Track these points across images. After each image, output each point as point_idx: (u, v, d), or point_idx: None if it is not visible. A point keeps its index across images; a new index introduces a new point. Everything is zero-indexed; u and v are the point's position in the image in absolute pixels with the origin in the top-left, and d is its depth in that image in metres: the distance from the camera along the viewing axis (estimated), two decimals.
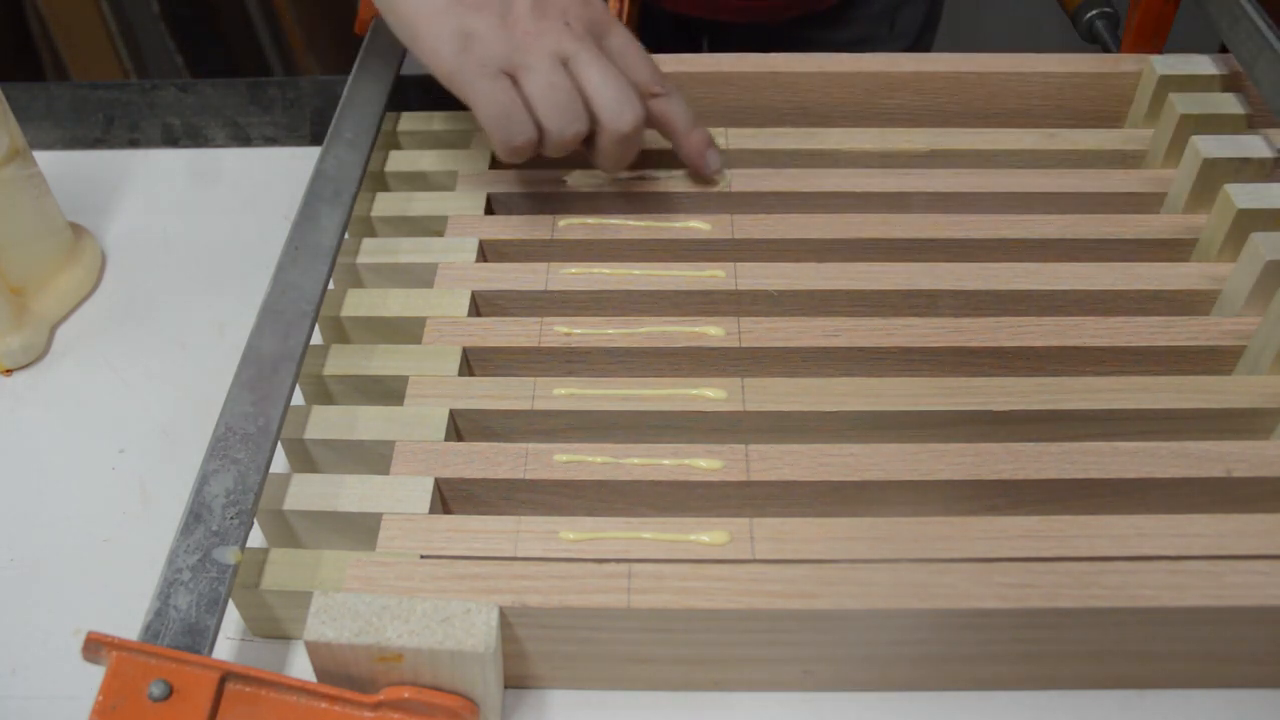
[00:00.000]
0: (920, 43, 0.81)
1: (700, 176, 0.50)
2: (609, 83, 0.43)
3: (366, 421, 0.41)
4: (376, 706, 0.33)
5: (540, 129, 0.44)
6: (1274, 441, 0.41)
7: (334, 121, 0.51)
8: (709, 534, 0.37)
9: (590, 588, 0.35)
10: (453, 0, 0.43)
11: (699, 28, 0.79)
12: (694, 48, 0.79)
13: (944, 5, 0.83)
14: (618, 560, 0.36)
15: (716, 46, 0.80)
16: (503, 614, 0.35)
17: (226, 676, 0.32)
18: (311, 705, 0.33)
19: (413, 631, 0.33)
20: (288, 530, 0.40)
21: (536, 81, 0.43)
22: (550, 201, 0.51)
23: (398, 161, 0.54)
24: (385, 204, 0.52)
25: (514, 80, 0.43)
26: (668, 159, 0.51)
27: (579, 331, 0.45)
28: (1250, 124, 0.52)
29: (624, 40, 0.47)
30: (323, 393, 0.45)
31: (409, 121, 0.57)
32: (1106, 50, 0.57)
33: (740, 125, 0.56)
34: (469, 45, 0.42)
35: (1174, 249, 0.49)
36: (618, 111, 0.44)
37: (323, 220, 0.47)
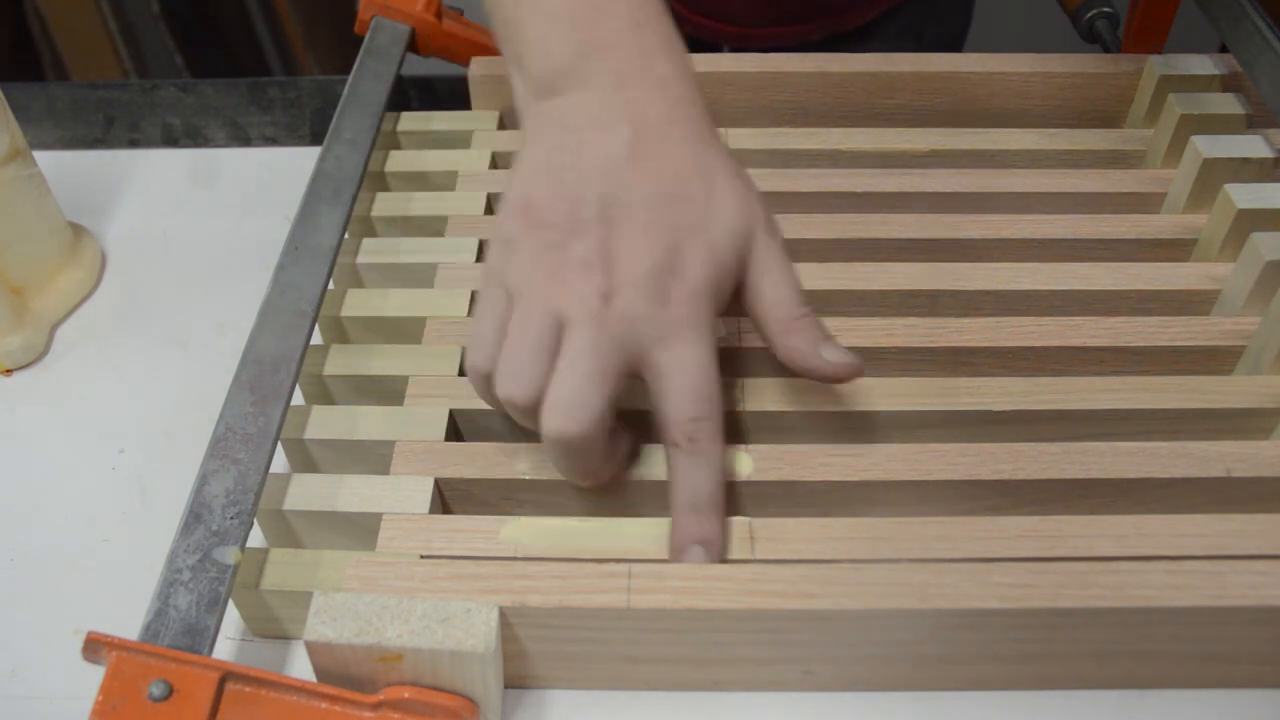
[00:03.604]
0: None
1: None
2: (573, 377, 0.35)
3: (366, 421, 0.41)
4: (376, 706, 0.33)
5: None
6: (1274, 441, 0.41)
7: (334, 121, 0.51)
8: None
9: (590, 588, 0.35)
10: (529, 206, 0.37)
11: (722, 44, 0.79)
12: None
13: (973, 21, 0.82)
14: (618, 560, 0.36)
15: None
16: (503, 614, 0.35)
17: (226, 676, 0.32)
18: (311, 705, 0.33)
19: (413, 631, 0.33)
20: (288, 530, 0.40)
21: (515, 322, 0.36)
22: None
23: (398, 161, 0.54)
24: (385, 204, 0.52)
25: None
26: None
27: None
28: (1250, 124, 0.52)
29: (688, 364, 0.36)
30: (323, 393, 0.45)
31: (409, 121, 0.57)
32: (1106, 50, 0.57)
33: (740, 125, 0.56)
34: (506, 252, 0.37)
35: (1174, 249, 0.49)
36: (554, 408, 0.35)
37: (323, 220, 0.47)
